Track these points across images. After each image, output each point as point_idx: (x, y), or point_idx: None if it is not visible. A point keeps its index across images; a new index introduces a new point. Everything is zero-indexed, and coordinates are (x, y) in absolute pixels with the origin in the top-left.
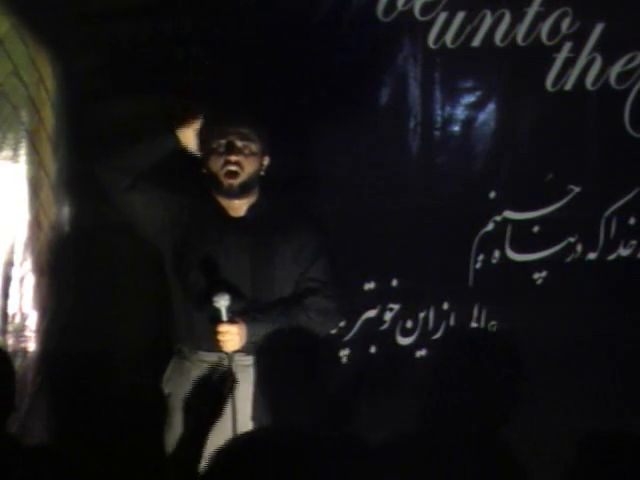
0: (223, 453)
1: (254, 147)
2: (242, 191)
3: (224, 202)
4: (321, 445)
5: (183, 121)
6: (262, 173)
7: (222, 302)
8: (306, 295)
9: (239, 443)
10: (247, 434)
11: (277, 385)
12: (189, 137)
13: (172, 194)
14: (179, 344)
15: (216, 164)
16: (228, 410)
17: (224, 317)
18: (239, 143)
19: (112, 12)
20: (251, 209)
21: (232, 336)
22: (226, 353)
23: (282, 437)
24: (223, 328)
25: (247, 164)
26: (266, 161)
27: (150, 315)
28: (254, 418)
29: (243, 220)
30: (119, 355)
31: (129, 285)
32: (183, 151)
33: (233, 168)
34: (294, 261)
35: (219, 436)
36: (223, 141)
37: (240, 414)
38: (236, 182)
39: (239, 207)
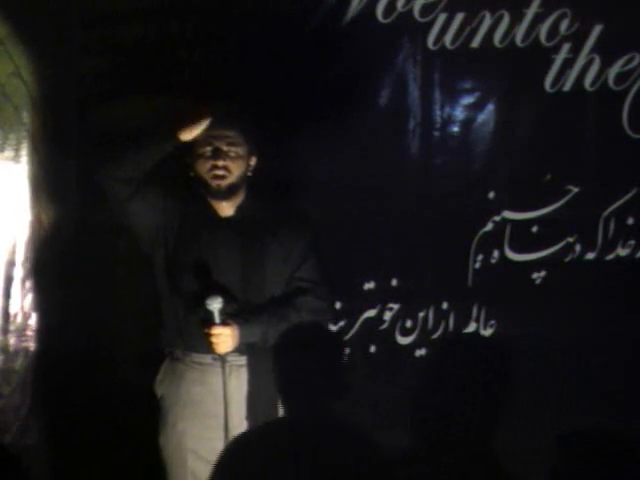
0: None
1: (240, 150)
2: (230, 192)
3: (213, 203)
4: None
5: (188, 124)
6: (249, 174)
7: (215, 305)
8: (297, 295)
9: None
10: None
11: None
12: (190, 136)
13: (168, 200)
14: (171, 347)
15: (203, 168)
16: (220, 410)
17: (217, 319)
18: (225, 148)
19: (116, 14)
20: (240, 209)
21: (225, 338)
22: (219, 355)
23: (279, 435)
24: (216, 330)
25: (234, 167)
26: (253, 162)
27: (149, 315)
28: (248, 418)
29: (232, 220)
30: (118, 354)
31: (128, 285)
32: (183, 154)
33: (220, 172)
34: (284, 261)
35: (212, 435)
36: (209, 147)
37: (234, 413)
38: (224, 183)
39: (228, 208)
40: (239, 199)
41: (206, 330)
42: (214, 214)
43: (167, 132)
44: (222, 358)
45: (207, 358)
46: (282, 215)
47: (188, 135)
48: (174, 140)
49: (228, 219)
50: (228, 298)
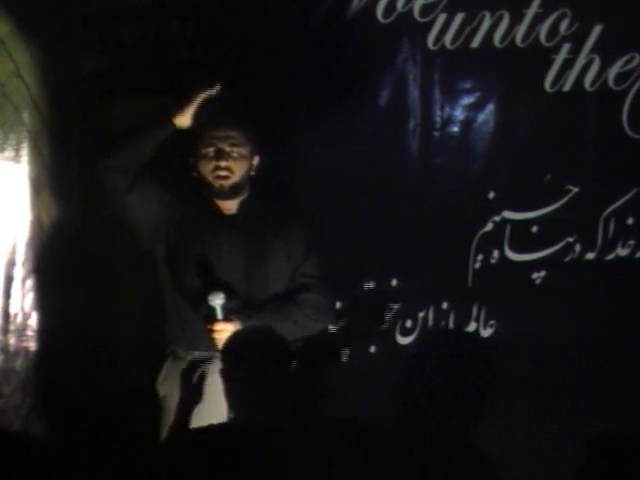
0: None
1: (243, 150)
2: (233, 192)
3: (217, 201)
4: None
5: (180, 106)
6: (252, 173)
7: (217, 301)
8: (300, 291)
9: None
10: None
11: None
12: (185, 120)
13: (168, 195)
14: (173, 345)
15: (206, 168)
16: (223, 409)
17: (219, 315)
18: (228, 148)
19: (117, 13)
20: (243, 206)
21: (228, 334)
22: None
23: (272, 431)
24: (219, 326)
25: (237, 167)
26: (256, 161)
27: (149, 315)
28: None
29: (236, 217)
30: (118, 354)
31: (129, 285)
32: (180, 135)
33: (223, 173)
34: (287, 258)
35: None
36: (212, 148)
37: None
38: (227, 183)
39: (231, 206)
40: (242, 197)
41: (208, 326)
42: (217, 211)
43: (161, 116)
44: None
45: (209, 356)
46: (284, 213)
47: (183, 120)
48: (169, 125)
49: (231, 216)
50: (231, 294)
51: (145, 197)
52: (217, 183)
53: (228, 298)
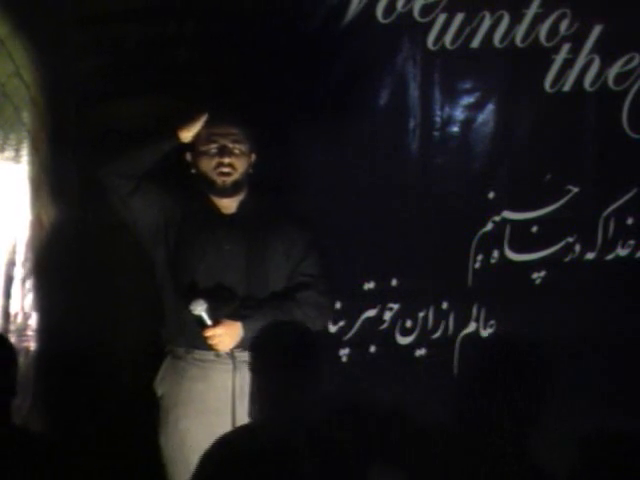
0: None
1: (244, 148)
2: (235, 189)
3: (216, 200)
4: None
5: (187, 122)
6: (250, 171)
7: (199, 308)
8: (299, 290)
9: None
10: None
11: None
12: (190, 136)
13: (168, 196)
14: (171, 345)
15: (208, 165)
16: (223, 406)
17: (207, 322)
18: (230, 145)
19: (115, 14)
20: (242, 206)
21: (222, 337)
22: (227, 353)
23: (276, 434)
24: (209, 332)
25: (239, 164)
26: (253, 158)
27: (149, 314)
28: (251, 414)
29: (235, 217)
30: (118, 355)
31: (128, 285)
32: (183, 151)
33: (226, 170)
34: (286, 257)
35: (215, 432)
36: (214, 144)
37: (238, 410)
38: (229, 180)
39: (230, 205)
40: (241, 196)
41: (202, 333)
42: (216, 212)
43: (168, 132)
44: (231, 355)
45: (209, 355)
46: (282, 212)
47: (188, 135)
48: (174, 140)
49: (231, 216)
50: (230, 293)
51: (147, 201)
52: (220, 180)
53: (214, 300)
